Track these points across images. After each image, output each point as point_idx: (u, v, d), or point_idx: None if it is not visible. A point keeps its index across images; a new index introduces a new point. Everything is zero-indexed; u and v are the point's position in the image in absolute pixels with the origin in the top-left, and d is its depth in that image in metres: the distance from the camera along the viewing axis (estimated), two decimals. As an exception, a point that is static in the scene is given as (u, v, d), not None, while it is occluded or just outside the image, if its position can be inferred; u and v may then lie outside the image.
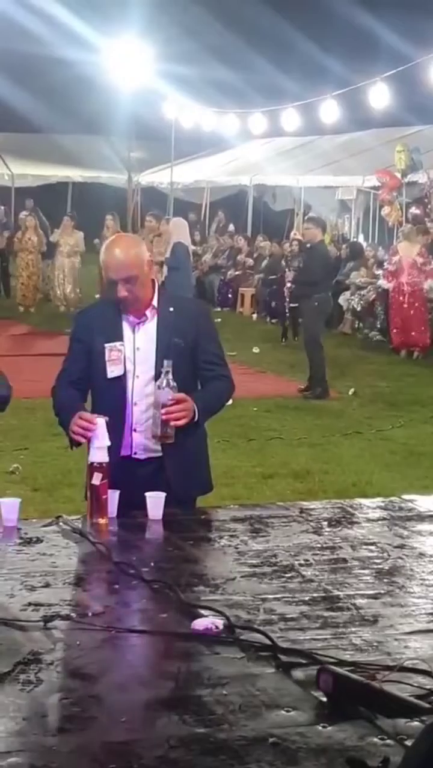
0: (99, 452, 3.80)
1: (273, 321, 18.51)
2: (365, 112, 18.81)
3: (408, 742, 2.17)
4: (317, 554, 3.52)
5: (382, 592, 3.18)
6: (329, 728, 2.30)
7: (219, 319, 14.79)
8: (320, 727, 2.30)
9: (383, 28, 27.62)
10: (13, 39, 28.74)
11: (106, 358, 4.10)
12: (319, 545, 3.62)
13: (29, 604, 3.00)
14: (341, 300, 17.40)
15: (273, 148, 25.71)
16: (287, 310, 16.88)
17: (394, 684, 2.43)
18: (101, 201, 24.20)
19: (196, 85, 26.36)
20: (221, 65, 29.95)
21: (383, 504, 4.26)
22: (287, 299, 16.75)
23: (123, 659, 2.69)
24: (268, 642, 2.72)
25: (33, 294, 20.08)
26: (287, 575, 3.31)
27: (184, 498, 4.13)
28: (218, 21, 31.19)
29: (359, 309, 17.32)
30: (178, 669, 2.59)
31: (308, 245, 13.32)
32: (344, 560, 3.48)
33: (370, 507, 4.21)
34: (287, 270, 17.57)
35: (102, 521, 3.77)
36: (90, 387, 4.20)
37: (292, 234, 20.45)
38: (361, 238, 21.38)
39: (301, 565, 3.41)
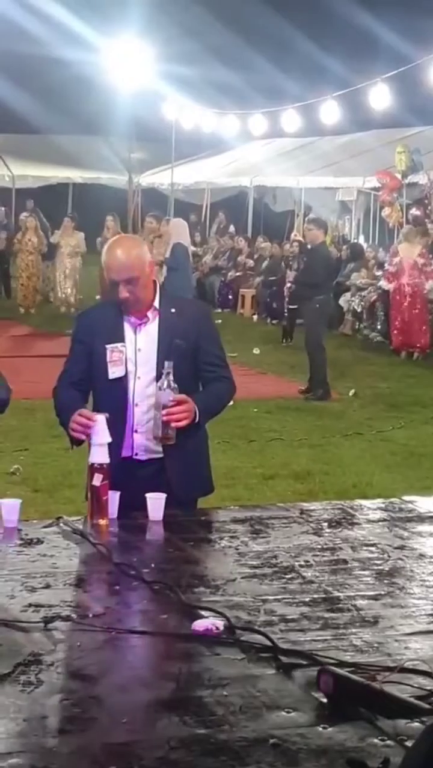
0: (99, 452, 3.80)
1: (273, 322, 18.52)
2: (366, 113, 18.81)
3: (408, 743, 2.17)
4: (317, 555, 3.53)
5: (382, 593, 3.19)
6: (330, 729, 2.30)
7: (219, 321, 14.77)
8: (321, 728, 2.31)
9: (383, 28, 27.64)
10: (12, 40, 28.75)
11: (108, 359, 4.10)
12: (319, 546, 3.63)
13: (30, 605, 3.00)
14: (342, 301, 17.41)
15: (273, 149, 25.72)
16: (285, 311, 16.88)
17: (394, 685, 2.43)
18: (102, 202, 24.18)
19: (196, 85, 26.38)
20: (221, 66, 29.97)
21: (383, 505, 4.27)
22: (287, 300, 16.75)
23: (123, 660, 2.69)
24: (268, 643, 2.72)
25: (33, 295, 20.08)
26: (287, 576, 3.31)
27: (185, 499, 4.13)
28: (217, 21, 31.19)
29: (359, 310, 17.33)
30: (178, 670, 2.59)
31: (310, 247, 13.32)
32: (345, 561, 3.48)
33: (370, 508, 4.21)
34: (287, 271, 17.58)
35: (102, 522, 3.77)
36: (91, 388, 4.20)
37: (292, 235, 20.46)
38: (361, 239, 21.39)
39: (301, 566, 3.41)
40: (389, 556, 3.54)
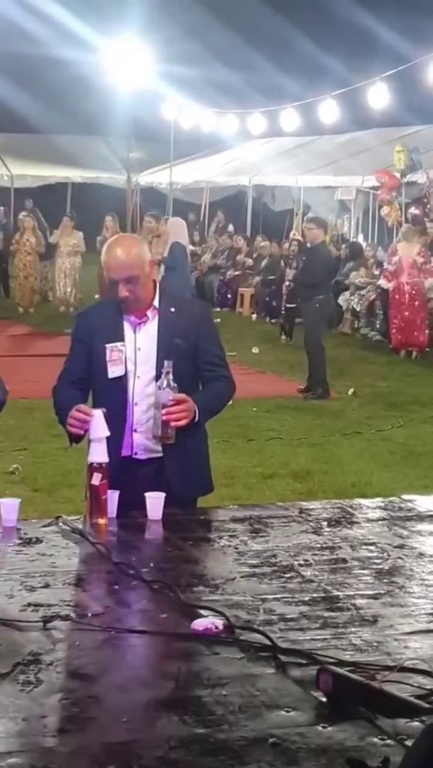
0: (99, 451, 3.80)
1: (272, 321, 18.51)
2: (365, 112, 18.80)
3: (408, 742, 2.17)
4: (316, 554, 3.52)
5: (382, 592, 3.18)
6: (329, 728, 2.30)
7: (218, 320, 14.75)
8: (320, 728, 2.30)
9: (382, 27, 27.61)
10: (12, 40, 28.73)
11: (107, 358, 4.10)
12: (318, 545, 3.62)
13: (29, 604, 3.00)
14: (341, 300, 17.41)
15: (272, 148, 25.71)
16: (282, 309, 16.87)
17: (394, 684, 2.43)
18: (100, 201, 24.18)
19: (195, 85, 26.36)
20: (220, 65, 29.94)
21: (382, 504, 4.26)
22: (285, 298, 16.74)
23: (123, 660, 2.69)
24: (268, 642, 2.72)
25: (30, 295, 20.06)
26: (286, 575, 3.31)
27: (185, 498, 4.13)
28: (217, 21, 31.17)
29: (358, 309, 17.33)
30: (178, 669, 2.59)
31: (309, 246, 13.31)
32: (344, 560, 3.48)
33: (369, 507, 4.21)
34: (287, 270, 17.57)
35: (102, 521, 3.77)
36: (91, 387, 4.20)
37: (291, 234, 20.44)
38: (360, 238, 21.38)
39: (300, 565, 3.41)
40: (388, 555, 3.53)
